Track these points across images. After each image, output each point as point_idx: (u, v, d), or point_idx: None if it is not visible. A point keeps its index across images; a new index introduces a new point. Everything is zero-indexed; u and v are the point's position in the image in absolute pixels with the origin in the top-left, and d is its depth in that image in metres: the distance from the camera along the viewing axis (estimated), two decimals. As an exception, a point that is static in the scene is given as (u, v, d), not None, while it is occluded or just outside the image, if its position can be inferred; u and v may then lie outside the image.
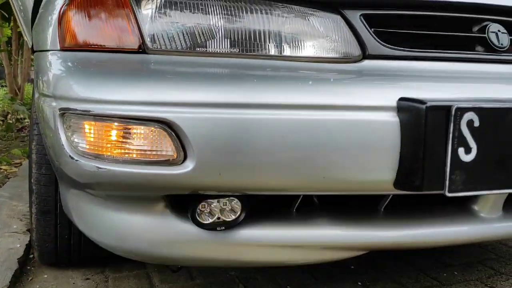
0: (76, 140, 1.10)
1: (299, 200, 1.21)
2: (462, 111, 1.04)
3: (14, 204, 2.42)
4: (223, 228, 1.13)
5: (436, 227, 1.22)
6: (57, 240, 1.68)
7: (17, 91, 6.45)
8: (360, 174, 1.06)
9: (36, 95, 1.38)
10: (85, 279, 1.78)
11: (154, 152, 1.04)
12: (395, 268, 1.93)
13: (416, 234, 1.20)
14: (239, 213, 1.14)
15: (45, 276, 1.79)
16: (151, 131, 1.03)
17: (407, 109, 1.04)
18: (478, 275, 1.88)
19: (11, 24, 6.49)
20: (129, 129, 1.04)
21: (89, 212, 1.26)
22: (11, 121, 5.61)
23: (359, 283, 1.79)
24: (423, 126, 1.02)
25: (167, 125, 1.02)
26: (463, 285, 1.80)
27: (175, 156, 1.04)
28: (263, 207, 1.21)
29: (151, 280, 1.77)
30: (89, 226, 1.28)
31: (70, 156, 1.10)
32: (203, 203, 1.12)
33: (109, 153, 1.06)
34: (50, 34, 1.25)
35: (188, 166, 1.03)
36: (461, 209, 1.33)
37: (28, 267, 1.86)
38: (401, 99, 1.06)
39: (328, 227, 1.19)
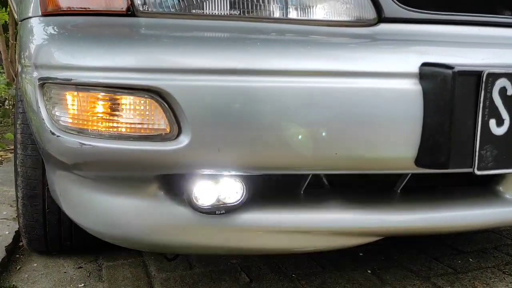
0: (57, 113, 0.98)
1: (307, 181, 1.09)
2: (494, 77, 0.91)
3: (5, 190, 2.31)
4: (223, 212, 1.01)
5: (458, 210, 1.11)
6: (46, 226, 1.57)
7: (14, 76, 6.32)
8: (376, 150, 0.94)
9: (19, 68, 1.26)
10: (78, 267, 1.67)
11: (144, 126, 0.93)
12: (406, 255, 1.82)
13: (437, 218, 1.09)
14: (241, 195, 1.02)
15: (35, 264, 1.69)
16: (141, 101, 0.91)
17: (432, 75, 0.91)
18: (494, 262, 1.77)
19: (8, 9, 6.35)
20: (116, 99, 0.92)
21: (76, 196, 1.15)
22: (7, 107, 5.49)
23: (369, 271, 1.68)
24: (450, 94, 0.89)
25: (159, 95, 0.90)
26: (480, 272, 1.69)
27: (168, 130, 0.92)
28: (267, 188, 1.09)
29: (148, 268, 1.66)
30: (76, 211, 1.17)
31: (51, 131, 0.98)
32: (200, 184, 1.00)
33: (93, 128, 0.94)
34: (33, 0, 1.13)
35: (183, 141, 0.91)
36: (484, 190, 1.21)
37: (17, 255, 1.76)
38: (425, 64, 0.93)
39: (340, 210, 1.07)
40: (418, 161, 0.95)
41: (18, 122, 1.48)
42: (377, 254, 1.81)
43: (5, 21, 6.75)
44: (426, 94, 0.92)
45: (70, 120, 0.96)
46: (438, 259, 1.79)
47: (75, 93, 0.93)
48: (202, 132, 0.89)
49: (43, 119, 0.99)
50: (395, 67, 0.94)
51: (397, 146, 0.94)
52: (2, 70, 6.86)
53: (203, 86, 0.88)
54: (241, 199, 1.02)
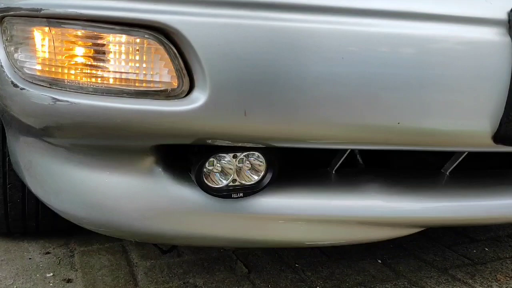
0: (21, 58, 0.72)
1: (343, 158, 0.86)
2: None
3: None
4: (241, 195, 0.78)
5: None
6: (7, 204, 1.32)
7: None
8: (445, 120, 0.73)
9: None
10: (45, 253, 1.43)
11: (142, 78, 0.68)
12: (416, 243, 1.65)
13: (498, 206, 0.89)
14: (262, 173, 0.79)
15: (-6, 249, 1.43)
16: (138, 43, 0.67)
17: (528, 23, 0.70)
18: (512, 252, 1.62)
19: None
20: (103, 39, 0.67)
21: (46, 170, 0.90)
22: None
23: (379, 261, 1.50)
24: (552, 48, 0.68)
25: (164, 34, 0.66)
26: (499, 263, 1.53)
27: (175, 84, 0.68)
28: (292, 166, 0.87)
29: (128, 255, 1.43)
30: (45, 189, 0.92)
31: (12, 82, 0.73)
32: (213, 159, 0.76)
33: (71, 78, 0.69)
34: None
35: (197, 100, 0.67)
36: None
37: (-27, 238, 1.50)
38: (517, 8, 0.71)
39: (381, 196, 0.86)
40: (498, 137, 0.74)
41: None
42: (384, 241, 1.62)
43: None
44: (518, 49, 0.70)
45: (39, 67, 0.70)
46: (451, 248, 1.62)
47: (47, 29, 0.68)
48: (224, 88, 0.65)
49: (1, 66, 0.74)
50: (474, 10, 0.72)
51: (472, 115, 0.73)
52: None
53: (229, 25, 0.64)
54: (264, 179, 0.79)
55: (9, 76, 0.73)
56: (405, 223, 0.88)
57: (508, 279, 1.44)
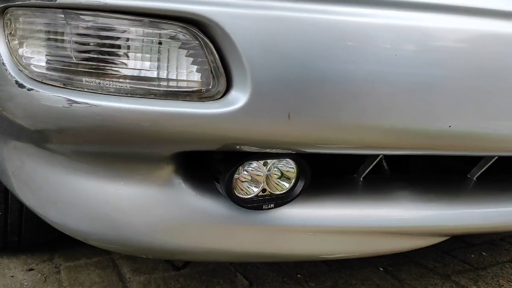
0: (27, 54, 0.63)
1: (374, 164, 0.81)
2: None
3: None
4: (272, 205, 0.71)
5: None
6: (-12, 219, 1.20)
7: None
8: (497, 123, 0.68)
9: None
10: (28, 270, 1.32)
11: (171, 76, 0.61)
12: (414, 250, 1.61)
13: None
14: (293, 181, 0.73)
15: (-30, 267, 1.31)
16: (168, 37, 0.59)
17: None
18: (508, 256, 1.62)
19: None
20: (130, 33, 0.59)
21: (43, 178, 0.81)
22: None
23: (381, 269, 1.45)
24: None
25: (198, 27, 0.58)
26: (498, 268, 1.52)
27: (210, 83, 0.61)
28: (319, 174, 0.81)
29: (120, 270, 1.33)
30: (43, 201, 0.83)
31: (17, 82, 0.64)
32: (243, 168, 0.69)
33: (91, 77, 0.61)
34: None
35: (236, 101, 0.60)
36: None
37: None
38: None
39: (413, 205, 0.81)
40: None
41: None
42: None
43: None
44: None
45: (52, 65, 0.61)
46: (449, 254, 1.60)
47: (63, 21, 0.59)
48: (268, 88, 0.58)
49: (2, 62, 0.64)
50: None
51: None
52: None
53: (274, 18, 0.57)
54: (296, 188, 0.72)
55: (13, 74, 0.64)
56: (437, 232, 0.83)
57: (511, 284, 1.43)
